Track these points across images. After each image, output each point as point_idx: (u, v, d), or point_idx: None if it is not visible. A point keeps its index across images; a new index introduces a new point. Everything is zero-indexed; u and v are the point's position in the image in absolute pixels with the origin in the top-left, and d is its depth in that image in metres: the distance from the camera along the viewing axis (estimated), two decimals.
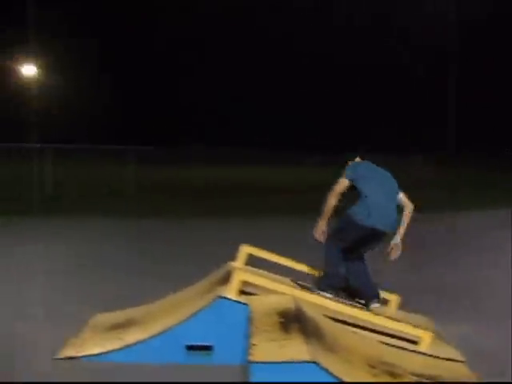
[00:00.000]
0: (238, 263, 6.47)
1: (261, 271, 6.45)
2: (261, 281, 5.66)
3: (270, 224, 13.50)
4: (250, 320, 5.05)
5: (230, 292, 5.30)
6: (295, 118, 62.61)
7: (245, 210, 16.24)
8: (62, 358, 5.21)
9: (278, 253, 6.87)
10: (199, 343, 5.25)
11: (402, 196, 6.41)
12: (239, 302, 5.27)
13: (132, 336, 5.39)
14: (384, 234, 6.24)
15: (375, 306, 6.28)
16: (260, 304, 5.34)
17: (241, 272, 5.59)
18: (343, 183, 6.26)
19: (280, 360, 4.38)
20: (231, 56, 66.21)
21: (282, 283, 5.98)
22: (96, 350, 5.29)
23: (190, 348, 5.24)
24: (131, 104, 66.18)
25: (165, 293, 6.61)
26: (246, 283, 5.55)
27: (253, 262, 6.75)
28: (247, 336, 4.91)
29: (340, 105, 61.54)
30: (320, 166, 29.93)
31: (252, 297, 5.52)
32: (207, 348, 5.26)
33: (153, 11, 65.68)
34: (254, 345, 4.57)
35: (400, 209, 6.39)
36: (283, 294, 5.58)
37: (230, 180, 26.63)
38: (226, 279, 5.77)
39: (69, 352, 5.32)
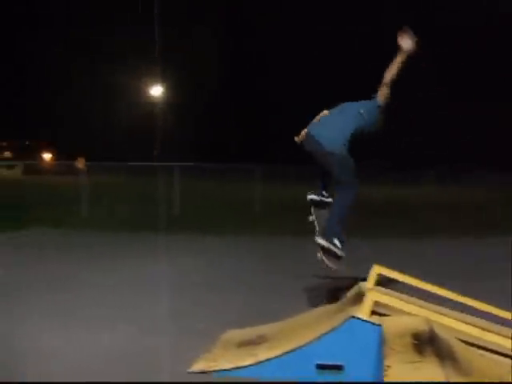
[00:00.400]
0: (369, 283, 6.40)
1: (392, 292, 6.36)
2: (394, 302, 5.57)
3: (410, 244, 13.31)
4: (383, 341, 4.98)
5: (363, 312, 5.25)
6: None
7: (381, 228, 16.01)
8: (194, 372, 5.34)
9: (410, 274, 6.75)
10: (330, 362, 5.23)
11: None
12: (372, 323, 5.21)
13: (264, 352, 5.44)
14: None
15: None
16: (393, 325, 5.27)
17: (374, 292, 5.54)
18: None
19: (415, 382, 4.30)
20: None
21: (415, 304, 5.87)
22: (228, 365, 5.37)
23: (321, 367, 5.23)
24: (252, 123, 67.18)
25: (294, 311, 6.66)
26: (377, 303, 5.49)
27: (384, 282, 6.69)
28: (379, 357, 4.85)
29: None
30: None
31: (384, 317, 5.46)
32: (338, 367, 5.23)
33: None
34: (388, 366, 4.51)
35: None
36: (415, 315, 5.48)
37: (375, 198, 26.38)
38: (357, 299, 5.74)
39: (201, 366, 5.43)
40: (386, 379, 4.33)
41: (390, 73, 6.74)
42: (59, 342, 6.26)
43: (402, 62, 6.70)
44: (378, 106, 6.86)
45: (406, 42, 6.63)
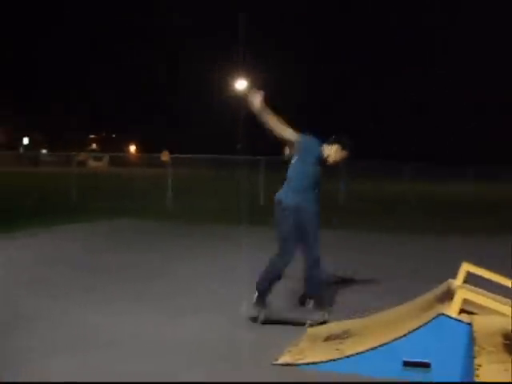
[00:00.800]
0: (458, 280, 6.29)
1: (481, 290, 6.23)
2: (484, 300, 5.46)
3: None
4: (472, 340, 4.89)
5: (452, 310, 5.16)
6: None
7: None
8: (280, 364, 5.37)
9: (500, 273, 6.59)
10: (417, 360, 5.17)
11: None
12: (461, 321, 5.12)
13: (350, 347, 5.43)
14: None
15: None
16: (482, 324, 5.16)
17: (464, 290, 5.44)
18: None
19: (507, 382, 4.21)
20: None
21: (505, 304, 5.73)
22: (314, 359, 5.39)
23: (407, 364, 5.18)
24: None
25: (380, 307, 6.62)
26: (465, 301, 5.38)
27: (472, 280, 6.55)
28: (469, 356, 4.76)
29: None
30: None
31: (474, 316, 5.35)
32: (424, 365, 5.17)
33: None
34: (479, 366, 4.43)
35: None
36: (505, 314, 5.35)
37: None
38: (445, 296, 5.65)
39: (287, 359, 5.47)
40: (477, 379, 4.25)
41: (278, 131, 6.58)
42: (151, 327, 6.43)
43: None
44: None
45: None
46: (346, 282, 8.91)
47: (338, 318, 6.66)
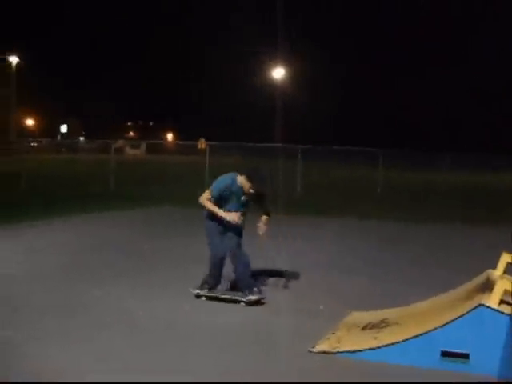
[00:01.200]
0: (499, 271, 6.21)
1: None
2: None
3: None
4: None
5: (492, 301, 5.10)
6: None
7: None
8: (317, 352, 5.38)
9: None
10: (455, 350, 5.13)
11: None
12: (501, 312, 5.06)
13: (387, 337, 5.41)
14: None
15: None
16: None
17: (505, 280, 5.37)
18: None
19: None
20: None
21: None
22: (351, 347, 5.38)
23: (446, 354, 5.15)
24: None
25: (416, 296, 6.58)
26: (506, 292, 5.31)
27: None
28: (509, 347, 4.72)
29: None
30: None
31: None
32: (463, 356, 5.13)
33: None
34: None
35: None
36: None
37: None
38: (484, 287, 5.59)
39: (324, 347, 5.47)
40: None
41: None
42: (196, 313, 6.51)
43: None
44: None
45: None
46: (377, 271, 8.87)
47: (370, 307, 6.64)
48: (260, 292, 7.22)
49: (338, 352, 5.35)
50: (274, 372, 4.98)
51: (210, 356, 5.26)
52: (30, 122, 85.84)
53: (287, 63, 60.26)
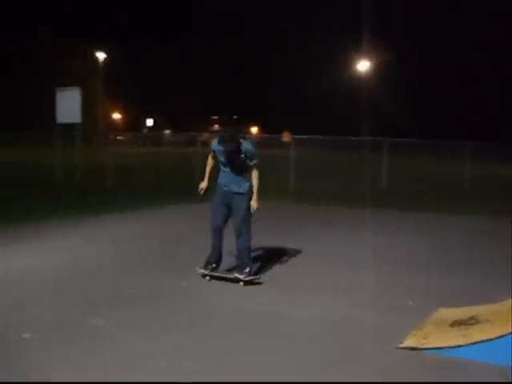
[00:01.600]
0: None
1: None
2: None
3: None
4: None
5: None
6: None
7: None
8: (404, 348, 5.33)
9: None
10: None
11: None
12: None
13: (477, 334, 5.31)
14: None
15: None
16: None
17: None
18: None
19: None
20: None
21: None
22: (439, 344, 5.31)
23: None
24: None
25: (505, 295, 6.42)
26: None
27: None
28: None
29: None
30: None
31: None
32: None
33: None
34: None
35: None
36: None
37: None
38: None
39: (411, 343, 5.42)
40: None
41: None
42: (270, 306, 6.54)
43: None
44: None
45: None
46: (462, 268, 8.69)
47: (457, 303, 6.52)
48: (251, 273, 7.52)
49: (425, 348, 5.29)
50: (359, 367, 4.97)
51: (293, 352, 5.28)
52: (116, 115, 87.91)
53: (372, 55, 59.54)
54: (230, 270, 7.76)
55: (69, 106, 20.43)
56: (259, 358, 5.11)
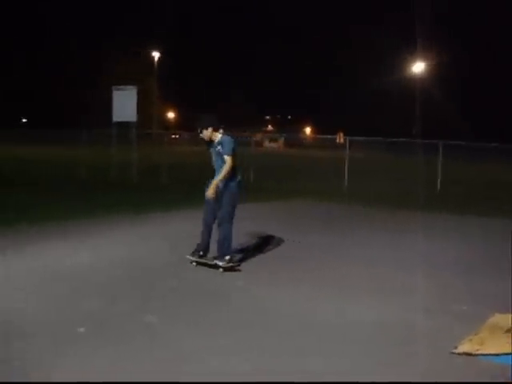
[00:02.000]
0: None
1: None
2: None
3: None
4: None
5: None
6: None
7: None
8: (458, 353, 5.29)
9: None
10: None
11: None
12: None
13: None
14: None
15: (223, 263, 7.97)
16: None
17: None
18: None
19: None
20: None
21: None
22: (494, 350, 5.25)
23: None
24: None
25: None
26: None
27: None
28: None
29: None
30: None
31: None
32: None
33: None
34: None
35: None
36: None
37: None
38: None
39: (466, 348, 5.37)
40: None
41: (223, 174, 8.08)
42: (330, 308, 6.56)
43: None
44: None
45: None
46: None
47: (491, 308, 6.45)
48: (232, 261, 8.11)
49: (481, 354, 5.23)
50: (413, 370, 4.96)
51: (347, 355, 5.29)
52: (170, 115, 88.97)
53: (427, 57, 58.88)
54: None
55: (125, 105, 20.79)
56: (310, 360, 5.13)
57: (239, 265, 8.25)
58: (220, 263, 7.97)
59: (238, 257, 8.57)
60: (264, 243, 10.08)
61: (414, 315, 6.41)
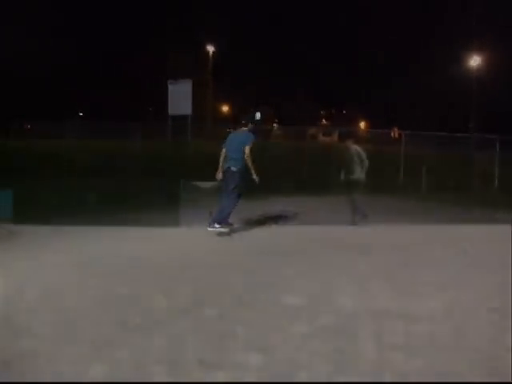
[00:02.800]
0: None
1: None
2: None
3: None
4: None
5: None
6: None
7: None
8: None
9: None
10: None
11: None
12: None
13: None
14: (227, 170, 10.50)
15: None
16: None
17: None
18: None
19: None
20: None
21: None
22: None
23: None
24: None
25: None
26: None
27: None
28: None
29: None
30: None
31: None
32: None
33: None
34: None
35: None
36: None
37: None
38: None
39: None
40: None
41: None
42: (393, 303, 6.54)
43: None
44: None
45: None
46: None
47: None
48: (223, 227, 10.14)
49: None
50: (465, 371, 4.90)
51: (420, 350, 5.21)
52: (225, 108, 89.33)
53: (484, 51, 57.64)
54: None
55: (180, 98, 20.88)
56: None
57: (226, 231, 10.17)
58: (209, 228, 10.06)
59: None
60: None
61: (478, 311, 6.22)
